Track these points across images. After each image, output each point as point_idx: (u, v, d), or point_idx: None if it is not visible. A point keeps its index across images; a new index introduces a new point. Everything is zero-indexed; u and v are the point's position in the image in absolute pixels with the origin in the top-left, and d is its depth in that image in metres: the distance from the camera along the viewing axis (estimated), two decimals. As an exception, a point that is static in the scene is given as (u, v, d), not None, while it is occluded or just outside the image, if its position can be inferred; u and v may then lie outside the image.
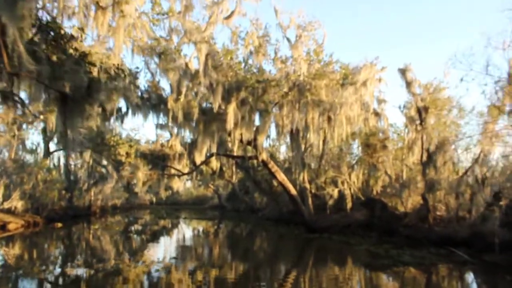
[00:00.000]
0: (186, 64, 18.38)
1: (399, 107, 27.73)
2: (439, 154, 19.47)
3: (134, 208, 68.14)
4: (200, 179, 55.26)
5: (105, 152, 32.74)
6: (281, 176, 23.65)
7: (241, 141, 21.62)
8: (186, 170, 25.06)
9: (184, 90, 18.09)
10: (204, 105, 19.58)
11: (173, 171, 24.14)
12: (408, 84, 19.97)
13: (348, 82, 19.98)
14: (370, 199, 24.19)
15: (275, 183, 30.46)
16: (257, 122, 21.31)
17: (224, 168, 39.36)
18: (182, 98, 18.07)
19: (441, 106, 19.96)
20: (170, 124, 19.57)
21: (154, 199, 78.64)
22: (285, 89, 19.18)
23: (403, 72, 20.12)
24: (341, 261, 16.33)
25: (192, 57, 20.32)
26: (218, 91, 17.61)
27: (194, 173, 45.63)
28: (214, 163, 37.09)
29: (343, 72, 19.83)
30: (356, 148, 29.65)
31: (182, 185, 39.66)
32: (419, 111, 20.28)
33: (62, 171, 42.57)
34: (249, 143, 22.15)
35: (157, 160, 23.00)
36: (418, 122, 23.84)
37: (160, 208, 68.95)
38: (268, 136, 26.20)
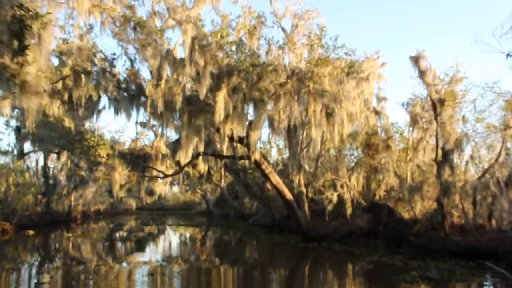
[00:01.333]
0: (169, 50, 15.60)
1: (402, 105, 25.32)
2: (456, 152, 16.86)
3: (119, 213, 64.89)
4: (187, 183, 52.29)
5: (83, 154, 29.72)
6: (275, 179, 20.89)
7: (231, 138, 18.84)
8: (170, 172, 22.20)
9: (165, 74, 15.28)
10: (189, 94, 16.73)
11: (155, 172, 21.34)
12: (422, 74, 17.36)
13: (354, 70, 17.30)
14: (373, 204, 21.49)
15: (268, 186, 27.69)
16: (250, 116, 18.58)
17: (212, 171, 36.45)
18: (162, 83, 15.24)
19: (460, 98, 17.36)
20: (148, 115, 16.63)
21: (140, 204, 75.62)
22: (283, 78, 16.44)
23: (416, 60, 17.51)
24: (352, 276, 13.73)
25: (177, 44, 17.56)
26: (205, 75, 14.80)
27: (180, 177, 42.75)
28: (202, 166, 34.20)
29: (349, 59, 17.12)
30: (355, 149, 26.96)
31: (166, 189, 36.61)
32: (433, 104, 17.66)
33: (39, 174, 39.53)
34: (240, 140, 19.36)
35: (138, 160, 20.22)
36: (432, 116, 21.27)
37: (146, 214, 65.74)
38: (259, 139, 23.67)
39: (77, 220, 43.38)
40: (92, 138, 30.98)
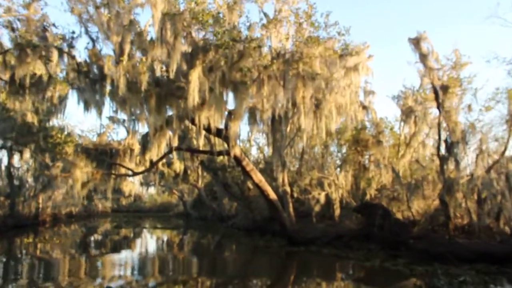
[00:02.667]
0: (133, 21, 13.11)
1: (393, 98, 23.33)
2: (462, 145, 14.79)
3: (93, 216, 61.60)
4: (163, 183, 49.55)
5: (49, 152, 26.91)
6: (257, 177, 18.55)
7: (208, 130, 16.44)
8: (141, 170, 19.69)
9: (128, 48, 12.77)
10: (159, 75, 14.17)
11: (123, 170, 18.76)
12: (423, 57, 15.27)
13: (348, 52, 15.08)
14: (366, 204, 19.34)
15: (249, 185, 25.35)
16: (229, 106, 16.18)
17: (189, 171, 33.87)
18: (124, 59, 12.74)
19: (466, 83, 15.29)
20: (109, 98, 14.03)
21: (115, 206, 72.46)
22: (267, 60, 14.10)
23: (416, 42, 15.41)
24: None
25: (147, 25, 15.07)
26: (176, 49, 12.32)
27: (156, 177, 40.05)
28: (177, 165, 31.70)
29: (342, 40, 14.86)
30: (342, 145, 24.77)
31: (136, 189, 33.84)
32: (435, 91, 15.56)
33: (3, 174, 36.41)
34: (218, 133, 16.97)
35: (103, 156, 17.67)
36: (426, 109, 19.34)
37: (122, 216, 62.59)
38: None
39: (46, 224, 40.29)
40: (59, 135, 28.21)
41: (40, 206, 39.22)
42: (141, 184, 53.54)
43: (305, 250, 18.63)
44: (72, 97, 17.02)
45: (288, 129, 20.69)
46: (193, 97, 12.69)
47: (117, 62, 12.84)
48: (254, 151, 33.73)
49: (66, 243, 22.44)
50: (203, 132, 17.39)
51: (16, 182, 36.91)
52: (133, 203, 72.78)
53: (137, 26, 13.26)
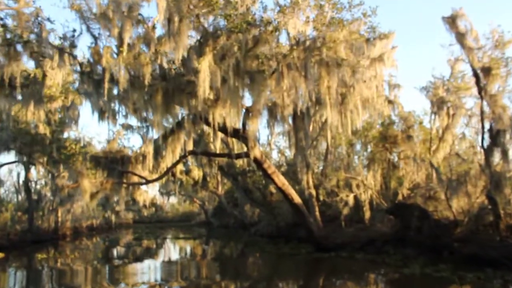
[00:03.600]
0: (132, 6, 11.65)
1: (421, 89, 21.58)
2: (510, 133, 12.96)
3: (114, 228, 60.56)
4: (184, 193, 48.23)
5: (64, 163, 25.73)
6: (280, 180, 16.94)
7: (224, 131, 14.92)
8: (154, 177, 18.22)
9: (127, 36, 11.30)
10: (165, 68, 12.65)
11: (136, 178, 17.35)
12: (461, 37, 13.49)
13: (376, 36, 13.41)
14: (399, 205, 17.55)
15: (272, 189, 23.73)
16: (246, 102, 14.63)
17: (208, 178, 32.41)
18: (124, 50, 11.29)
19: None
20: (107, 96, 12.45)
21: (137, 217, 71.45)
22: (285, 50, 12.53)
23: (451, 21, 13.65)
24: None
25: (154, 21, 13.66)
26: (182, 33, 10.84)
27: (176, 187, 38.68)
28: (196, 172, 30.28)
29: (368, 21, 13.15)
30: (369, 142, 22.96)
31: (149, 198, 32.35)
32: (475, 74, 13.75)
33: (21, 189, 35.50)
34: (235, 134, 15.44)
35: (114, 165, 16.30)
36: (459, 100, 17.55)
37: (143, 227, 61.37)
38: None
39: (67, 237, 39.24)
40: (73, 146, 27.06)
41: (60, 220, 38.19)
42: (161, 193, 52.36)
43: (335, 256, 17.08)
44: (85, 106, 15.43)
45: (311, 128, 19.13)
46: (204, 89, 11.15)
47: (118, 54, 11.46)
48: (275, 155, 32.18)
49: (86, 256, 21.18)
50: (220, 135, 15.88)
51: (34, 197, 36.00)
52: (155, 214, 71.59)
53: (138, 13, 11.80)
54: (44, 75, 13.04)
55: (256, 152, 15.71)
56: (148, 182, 16.99)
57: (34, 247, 29.20)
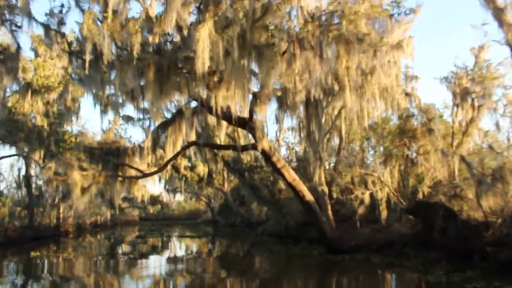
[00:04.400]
0: None
1: (442, 80, 19.96)
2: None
3: (119, 225, 59.28)
4: (190, 190, 46.74)
5: (61, 156, 24.27)
6: (290, 175, 15.32)
7: (229, 119, 13.33)
8: (153, 170, 16.60)
9: (112, 1, 9.68)
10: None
11: (133, 172, 15.76)
12: (499, 12, 11.79)
13: (400, 12, 11.76)
14: (421, 204, 15.88)
15: (281, 185, 22.12)
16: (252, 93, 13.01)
17: (214, 174, 30.85)
18: (109, 16, 9.65)
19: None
20: (85, 68, 10.83)
21: (143, 215, 70.15)
22: (299, 24, 10.92)
23: (488, -5, 11.93)
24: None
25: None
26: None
27: (182, 184, 37.18)
28: (201, 168, 28.75)
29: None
30: (384, 137, 21.26)
31: (148, 193, 30.60)
32: (515, 56, 12.07)
33: (22, 183, 34.10)
34: (241, 123, 13.86)
35: (109, 157, 14.78)
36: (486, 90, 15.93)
37: (150, 225, 59.98)
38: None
39: (69, 234, 37.90)
40: (72, 139, 25.67)
41: (61, 216, 36.85)
42: (167, 191, 50.93)
43: (349, 258, 15.52)
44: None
45: (323, 120, 17.52)
46: (203, 61, 9.47)
47: (102, 21, 9.91)
48: (283, 152, 30.57)
49: (86, 254, 19.78)
50: (224, 124, 14.30)
51: (36, 192, 34.66)
52: (161, 211, 70.23)
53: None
54: (19, 48, 11.50)
55: (265, 144, 14.11)
56: (145, 175, 15.44)
57: (34, 244, 27.89)
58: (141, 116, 19.62)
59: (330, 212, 18.14)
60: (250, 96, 12.64)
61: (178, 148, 14.84)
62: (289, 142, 30.05)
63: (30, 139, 23.22)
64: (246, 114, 13.47)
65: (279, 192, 23.98)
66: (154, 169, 16.69)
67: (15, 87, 25.25)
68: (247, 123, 13.56)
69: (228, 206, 38.12)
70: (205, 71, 9.59)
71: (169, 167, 27.56)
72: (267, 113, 13.05)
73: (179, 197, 63.85)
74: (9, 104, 24.81)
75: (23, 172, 33.36)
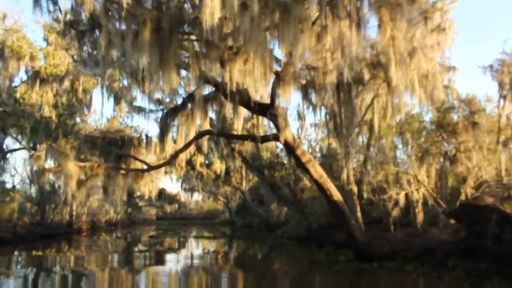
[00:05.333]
0: None
1: (486, 69, 17.82)
2: None
3: (136, 224, 57.99)
4: (208, 189, 45.00)
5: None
6: (317, 171, 13.32)
7: (247, 104, 11.44)
8: (161, 163, 14.73)
9: None
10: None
11: (138, 164, 13.91)
12: None
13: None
14: (466, 207, 13.71)
15: (303, 185, 20.13)
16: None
17: (231, 172, 28.94)
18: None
19: None
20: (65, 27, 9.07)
21: (160, 214, 68.89)
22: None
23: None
24: None
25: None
26: None
27: (199, 183, 35.40)
28: (218, 165, 26.91)
29: None
30: (419, 132, 19.07)
31: (156, 189, 28.71)
32: None
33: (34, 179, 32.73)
34: (261, 109, 11.94)
35: (111, 147, 13.02)
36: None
37: (166, 224, 58.57)
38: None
39: (83, 232, 36.54)
40: (82, 132, 24.11)
41: (74, 213, 35.49)
42: (185, 190, 49.32)
43: (378, 266, 13.57)
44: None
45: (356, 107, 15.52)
46: (212, 10, 7.39)
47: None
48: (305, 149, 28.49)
49: (94, 255, 18.15)
50: (242, 113, 12.39)
51: (48, 188, 33.34)
52: (178, 211, 68.86)
53: None
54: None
55: (288, 134, 12.16)
56: (151, 168, 13.59)
57: (44, 242, 26.50)
58: (149, 105, 18.01)
59: (359, 214, 16.12)
60: (272, 77, 10.72)
61: (190, 137, 13.01)
62: (311, 140, 28.07)
63: (37, 130, 21.71)
64: (266, 99, 11.58)
65: (301, 192, 21.97)
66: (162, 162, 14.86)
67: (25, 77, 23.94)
68: (268, 110, 11.64)
69: (246, 206, 36.07)
70: (215, 25, 7.58)
71: (183, 163, 25.82)
72: (290, 104, 10.98)
73: (197, 196, 62.43)
74: (18, 95, 23.50)
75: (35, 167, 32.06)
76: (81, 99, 25.06)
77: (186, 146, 13.06)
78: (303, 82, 13.99)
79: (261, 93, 11.25)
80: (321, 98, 12.13)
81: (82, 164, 12.11)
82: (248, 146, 21.74)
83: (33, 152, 29.58)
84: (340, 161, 15.08)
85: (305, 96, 14.76)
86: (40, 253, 18.46)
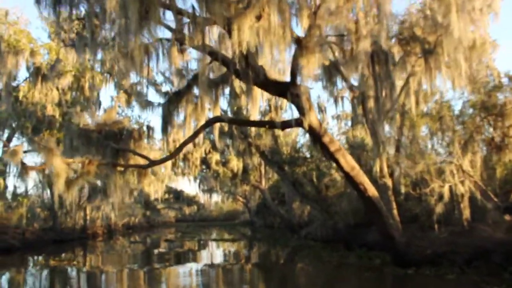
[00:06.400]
0: None
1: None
2: None
3: (155, 226, 56.47)
4: (226, 190, 43.09)
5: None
6: (348, 162, 11.17)
7: (263, 84, 9.38)
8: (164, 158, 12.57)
9: None
10: None
11: (140, 160, 11.85)
12: None
13: None
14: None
15: (331, 178, 17.94)
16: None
17: (249, 170, 26.85)
18: None
19: None
20: None
21: (179, 216, 67.35)
22: None
23: None
24: None
25: None
26: None
27: (217, 183, 33.40)
28: (235, 162, 24.90)
29: None
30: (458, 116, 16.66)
31: (162, 189, 26.47)
32: None
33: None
34: (280, 88, 9.86)
35: (108, 141, 11.07)
36: None
37: (185, 226, 56.93)
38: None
39: (98, 237, 34.95)
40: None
41: (88, 217, 33.91)
42: (203, 191, 47.51)
43: (414, 273, 11.43)
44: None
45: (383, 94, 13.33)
46: None
47: None
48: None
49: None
50: (257, 95, 10.34)
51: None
52: (197, 212, 67.22)
53: None
54: None
55: (313, 118, 10.06)
56: (153, 163, 11.54)
57: (55, 248, 25.03)
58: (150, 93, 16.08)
59: (395, 211, 13.90)
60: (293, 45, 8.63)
61: (202, 121, 11.01)
62: (333, 134, 25.73)
63: (39, 130, 20.02)
64: (284, 74, 9.53)
65: (325, 188, 19.76)
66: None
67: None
68: (288, 89, 9.55)
69: (266, 205, 33.78)
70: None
71: (198, 162, 23.89)
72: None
73: (216, 197, 60.72)
74: (21, 94, 21.96)
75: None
76: (88, 97, 23.34)
77: (193, 136, 10.98)
78: (326, 63, 11.89)
79: (279, 64, 9.21)
80: (351, 71, 9.97)
81: (70, 160, 10.23)
82: (266, 140, 19.67)
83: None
84: (371, 152, 12.88)
85: (329, 78, 12.70)
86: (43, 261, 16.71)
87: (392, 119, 13.60)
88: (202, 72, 8.86)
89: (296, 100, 9.71)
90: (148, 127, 11.77)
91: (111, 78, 23.20)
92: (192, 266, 15.73)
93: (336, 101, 18.44)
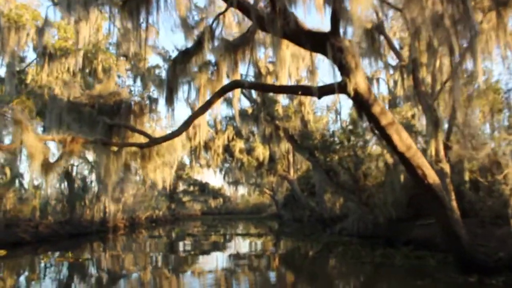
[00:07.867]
0: None
1: None
2: None
3: (180, 219, 54.77)
4: (252, 182, 40.85)
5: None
6: (403, 140, 8.60)
7: (293, 35, 6.95)
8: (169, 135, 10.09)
9: None
10: None
11: (141, 138, 9.51)
12: None
13: None
14: None
15: (371, 165, 15.37)
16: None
17: (276, 160, 24.39)
18: None
19: None
20: None
21: (205, 209, 65.66)
22: None
23: None
24: None
25: None
26: None
27: (243, 175, 30.99)
28: (260, 150, 22.51)
29: None
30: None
31: (171, 177, 23.87)
32: None
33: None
34: (317, 40, 7.39)
35: (101, 116, 8.84)
36: None
37: (211, 219, 54.96)
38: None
39: (119, 230, 33.12)
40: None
41: (108, 210, 32.11)
42: (228, 184, 45.37)
43: (478, 282, 8.84)
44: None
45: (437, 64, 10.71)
46: None
47: None
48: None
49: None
50: (286, 48, 7.90)
51: (79, 183, 30.15)
52: (223, 205, 65.41)
53: None
54: None
55: (360, 81, 7.56)
56: (154, 142, 9.14)
57: (71, 242, 23.28)
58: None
59: (455, 204, 11.28)
60: None
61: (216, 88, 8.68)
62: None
63: (45, 114, 18.10)
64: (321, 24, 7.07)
65: (364, 177, 17.13)
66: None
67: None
68: (328, 40, 7.08)
69: (295, 197, 31.04)
70: None
71: (220, 150, 21.58)
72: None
73: (243, 190, 58.65)
74: (29, 77, 20.18)
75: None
76: (101, 80, 21.35)
77: (206, 106, 8.56)
78: (369, 26, 9.43)
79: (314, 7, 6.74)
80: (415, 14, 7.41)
81: (48, 137, 8.05)
82: (295, 122, 17.24)
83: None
84: (428, 129, 10.29)
85: (372, 43, 10.32)
86: (46, 259, 14.71)
87: (450, 95, 10.88)
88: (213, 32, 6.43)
89: (338, 55, 7.22)
90: (150, 98, 9.56)
91: (128, 61, 21.21)
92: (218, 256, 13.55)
93: (370, 82, 15.98)
